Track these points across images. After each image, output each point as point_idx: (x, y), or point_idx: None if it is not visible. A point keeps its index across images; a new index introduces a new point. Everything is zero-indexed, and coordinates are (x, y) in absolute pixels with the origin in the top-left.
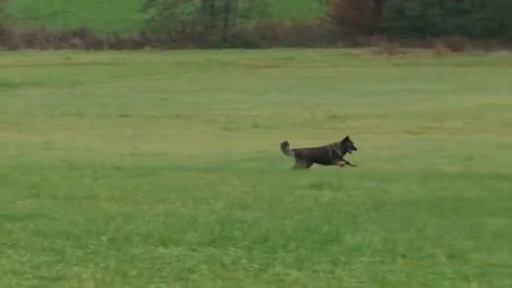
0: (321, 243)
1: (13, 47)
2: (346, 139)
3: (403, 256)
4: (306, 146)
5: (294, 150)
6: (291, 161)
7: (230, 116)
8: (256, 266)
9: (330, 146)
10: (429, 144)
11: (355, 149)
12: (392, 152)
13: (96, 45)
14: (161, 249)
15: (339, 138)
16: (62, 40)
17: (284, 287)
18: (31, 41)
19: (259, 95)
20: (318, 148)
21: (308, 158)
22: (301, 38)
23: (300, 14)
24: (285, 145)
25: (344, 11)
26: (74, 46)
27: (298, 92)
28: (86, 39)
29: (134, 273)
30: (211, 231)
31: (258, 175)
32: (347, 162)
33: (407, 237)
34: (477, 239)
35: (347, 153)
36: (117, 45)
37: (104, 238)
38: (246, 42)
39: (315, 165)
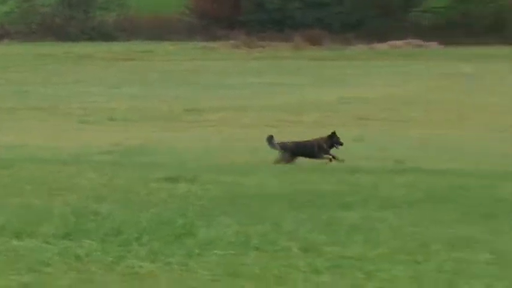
0: (175, 236)
1: None
2: (333, 134)
3: (257, 249)
4: (292, 140)
5: (279, 143)
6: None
7: (87, 108)
8: (110, 259)
9: (315, 140)
10: (286, 138)
11: (341, 143)
12: (249, 145)
13: None
14: (15, 242)
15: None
16: None
17: (137, 279)
18: None
19: (117, 87)
20: (303, 142)
21: (292, 151)
22: (161, 31)
23: (160, 7)
24: (270, 138)
25: (203, 4)
26: None
27: (156, 85)
28: None
29: None
30: (66, 223)
31: (114, 168)
32: (334, 157)
33: (261, 230)
34: (332, 232)
35: (334, 148)
36: None
37: None
38: (105, 35)
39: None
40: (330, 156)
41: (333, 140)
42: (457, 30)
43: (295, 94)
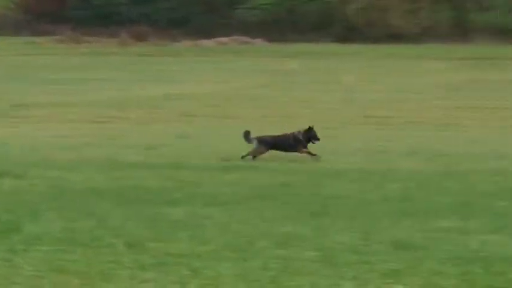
0: (1, 232)
1: None
2: (310, 129)
3: (83, 245)
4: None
5: (256, 137)
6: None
7: None
8: None
9: (291, 133)
10: (112, 134)
11: (318, 139)
12: (76, 140)
13: None
14: None
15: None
16: None
17: None
18: None
19: None
20: (279, 135)
21: (269, 144)
22: None
23: None
24: (247, 134)
25: None
26: None
27: None
28: None
29: None
30: None
31: None
32: (309, 152)
33: (87, 226)
34: (156, 228)
35: (310, 143)
36: None
37: None
38: None
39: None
40: (306, 150)
41: (310, 135)
42: (283, 27)
43: (121, 90)
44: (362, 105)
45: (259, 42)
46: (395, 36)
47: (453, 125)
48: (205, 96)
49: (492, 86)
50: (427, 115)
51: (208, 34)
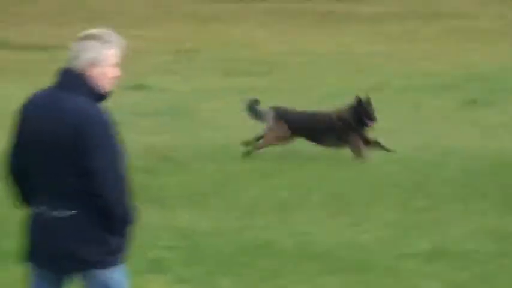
0: None
1: None
2: (359, 102)
3: None
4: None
5: (271, 108)
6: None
7: None
8: None
9: (334, 112)
10: None
11: (374, 118)
12: None
13: None
14: None
15: None
16: None
17: None
18: None
19: None
20: (312, 112)
21: (294, 124)
22: None
23: None
24: (253, 103)
25: None
26: None
27: None
28: None
29: None
30: None
31: None
32: (376, 142)
33: None
34: None
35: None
36: None
37: None
38: None
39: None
40: (359, 145)
41: (360, 113)
42: None
43: None
44: None
45: None
46: None
47: None
48: None
49: None
50: None
51: None
